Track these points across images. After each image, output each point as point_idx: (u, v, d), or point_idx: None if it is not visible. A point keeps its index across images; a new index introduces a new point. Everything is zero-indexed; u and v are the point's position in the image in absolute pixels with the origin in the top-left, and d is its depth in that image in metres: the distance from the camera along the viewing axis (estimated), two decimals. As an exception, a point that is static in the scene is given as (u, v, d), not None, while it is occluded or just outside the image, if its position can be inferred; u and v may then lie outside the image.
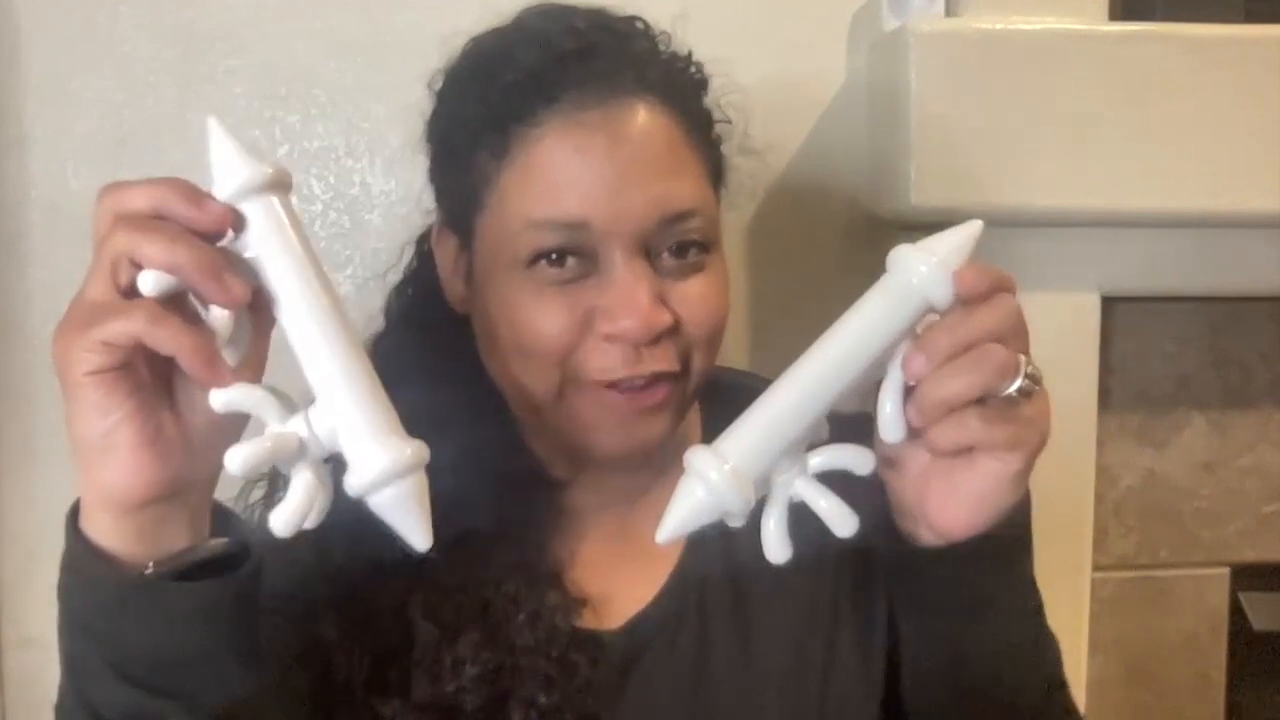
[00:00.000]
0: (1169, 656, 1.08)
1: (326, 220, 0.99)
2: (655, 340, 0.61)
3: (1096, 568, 1.04)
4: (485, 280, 0.65)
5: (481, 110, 0.64)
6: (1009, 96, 0.90)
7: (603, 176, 0.60)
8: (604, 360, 0.61)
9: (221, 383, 0.47)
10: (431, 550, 0.64)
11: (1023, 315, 0.53)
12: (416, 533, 0.49)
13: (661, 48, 0.67)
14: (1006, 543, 0.57)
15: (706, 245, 0.64)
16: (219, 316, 0.50)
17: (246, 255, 0.48)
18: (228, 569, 0.53)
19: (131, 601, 0.50)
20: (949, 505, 0.55)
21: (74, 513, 0.51)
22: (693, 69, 0.68)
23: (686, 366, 0.63)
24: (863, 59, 1.00)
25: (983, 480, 0.54)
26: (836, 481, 0.53)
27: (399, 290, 0.75)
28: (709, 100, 0.69)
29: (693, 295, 0.63)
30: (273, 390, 0.49)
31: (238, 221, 0.48)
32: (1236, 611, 1.08)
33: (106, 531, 0.50)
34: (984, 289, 0.51)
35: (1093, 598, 1.03)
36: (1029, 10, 0.93)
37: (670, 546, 0.69)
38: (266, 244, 0.48)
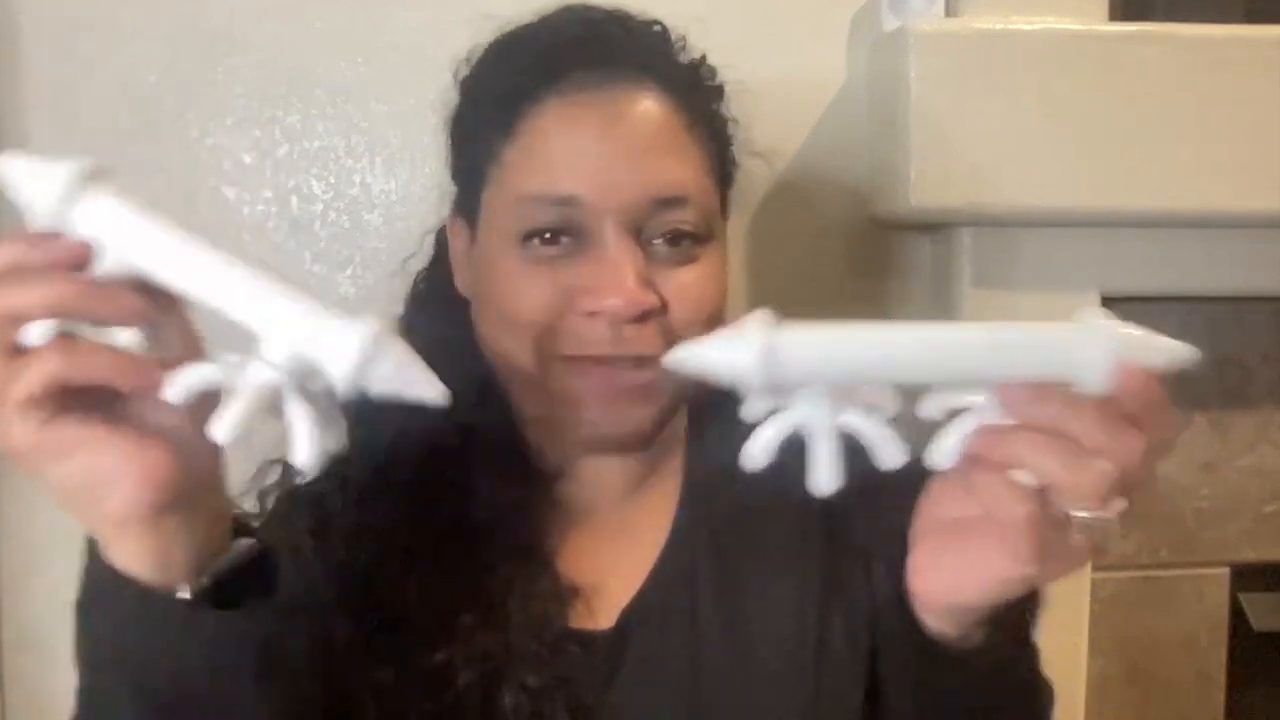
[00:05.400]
0: (1169, 656, 1.08)
1: (326, 220, 0.99)
2: (639, 320, 0.61)
3: (1096, 568, 1.04)
4: (483, 257, 0.66)
5: (494, 91, 0.66)
6: (1009, 96, 0.90)
7: (596, 152, 0.62)
8: (585, 335, 0.62)
9: (158, 384, 0.45)
10: (424, 528, 0.65)
11: (1149, 465, 0.46)
12: (429, 388, 0.45)
13: (677, 49, 0.68)
14: (982, 657, 0.53)
15: (700, 238, 0.64)
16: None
17: (108, 259, 0.45)
18: (255, 574, 0.51)
19: (164, 628, 0.48)
20: (931, 564, 0.52)
21: (91, 540, 0.49)
22: (705, 73, 0.69)
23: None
24: (863, 59, 1.00)
25: (971, 560, 0.49)
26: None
27: (416, 279, 0.77)
28: (723, 108, 0.69)
29: (683, 283, 0.63)
30: (218, 356, 0.46)
31: (91, 252, 0.45)
32: (1236, 611, 1.08)
33: (130, 557, 0.48)
34: (1134, 404, 0.45)
35: (1093, 598, 1.04)
36: (1029, 10, 0.93)
37: (658, 539, 0.70)
38: (115, 235, 0.45)
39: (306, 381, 0.46)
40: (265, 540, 0.53)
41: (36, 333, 0.44)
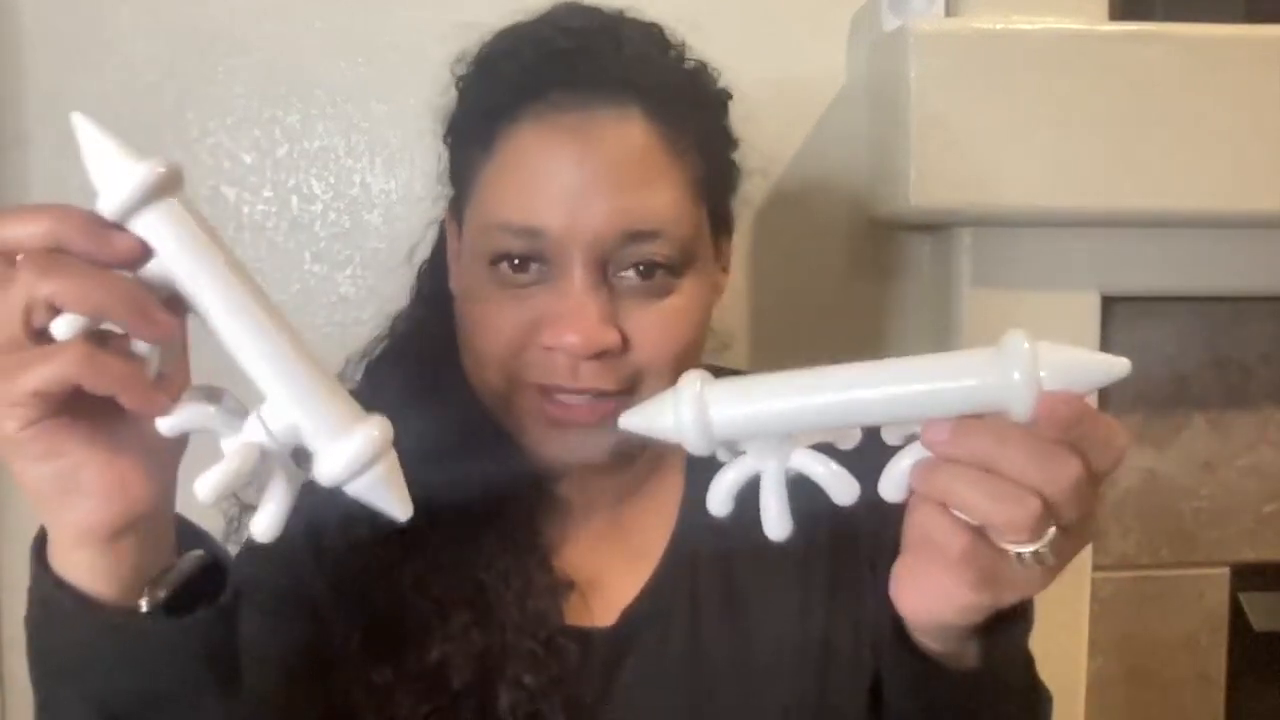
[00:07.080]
0: (1169, 656, 1.08)
1: (326, 220, 0.99)
2: (597, 357, 0.61)
3: (1096, 568, 1.04)
4: (463, 271, 0.67)
5: (477, 103, 0.65)
6: (1009, 96, 0.90)
7: (566, 183, 0.60)
8: (543, 368, 0.62)
9: (163, 409, 0.44)
10: (421, 523, 0.65)
11: (1087, 491, 0.44)
12: (396, 507, 0.46)
13: (671, 57, 0.67)
14: (972, 679, 0.53)
15: (675, 268, 0.62)
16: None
17: (151, 265, 0.44)
18: (206, 583, 0.51)
19: (121, 641, 0.47)
20: (907, 581, 0.51)
21: (40, 547, 0.48)
22: (703, 82, 0.68)
23: (634, 386, 0.62)
24: (863, 59, 1.00)
25: (934, 583, 0.49)
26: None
27: (420, 270, 0.77)
28: (722, 118, 0.68)
29: (650, 321, 0.62)
30: (216, 398, 0.46)
31: (145, 252, 0.43)
32: (1236, 611, 1.08)
33: (84, 569, 0.47)
34: (1059, 431, 0.43)
35: (1093, 598, 1.03)
36: (1029, 10, 0.93)
37: (660, 540, 0.70)
38: (174, 254, 0.44)
39: (289, 453, 0.46)
40: (213, 548, 0.53)
41: (64, 326, 0.42)
